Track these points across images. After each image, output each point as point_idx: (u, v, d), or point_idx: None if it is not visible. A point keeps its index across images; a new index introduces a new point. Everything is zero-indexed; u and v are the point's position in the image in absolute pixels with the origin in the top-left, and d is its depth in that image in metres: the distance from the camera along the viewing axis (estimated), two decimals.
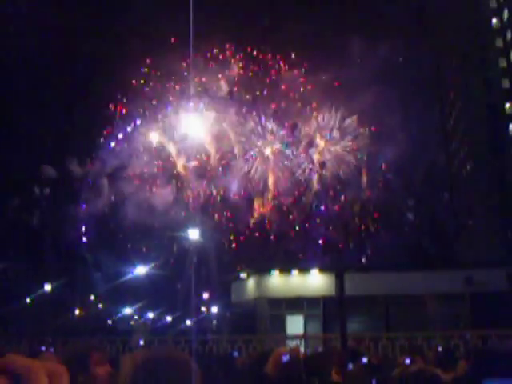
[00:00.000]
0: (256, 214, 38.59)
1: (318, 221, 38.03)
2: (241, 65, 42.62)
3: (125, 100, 42.05)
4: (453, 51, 61.72)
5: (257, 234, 38.64)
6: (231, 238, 39.49)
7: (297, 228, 38.37)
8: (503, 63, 59.94)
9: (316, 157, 39.58)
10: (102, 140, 41.06)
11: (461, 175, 63.60)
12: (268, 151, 40.40)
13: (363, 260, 37.26)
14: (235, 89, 41.81)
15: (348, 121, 41.00)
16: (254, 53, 42.68)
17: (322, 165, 38.92)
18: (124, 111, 41.61)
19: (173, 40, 40.67)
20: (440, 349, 16.83)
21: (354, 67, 38.04)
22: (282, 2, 45.08)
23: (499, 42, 60.75)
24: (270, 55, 42.61)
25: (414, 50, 50.15)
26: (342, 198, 38.65)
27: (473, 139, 57.97)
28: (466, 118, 60.19)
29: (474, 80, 57.37)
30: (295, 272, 28.75)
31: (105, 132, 41.58)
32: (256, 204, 38.78)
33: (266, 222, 39.11)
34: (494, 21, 61.48)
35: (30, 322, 38.66)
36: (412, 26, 49.91)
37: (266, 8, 43.54)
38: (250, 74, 42.58)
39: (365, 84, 37.25)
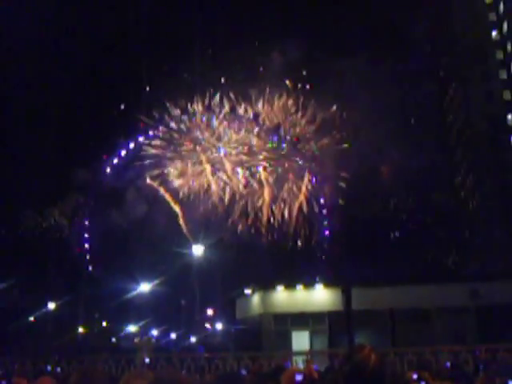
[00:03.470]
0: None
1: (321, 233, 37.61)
2: None
3: None
4: (453, 64, 62.01)
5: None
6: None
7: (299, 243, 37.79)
8: (503, 75, 60.37)
9: None
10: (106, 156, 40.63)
11: (463, 188, 63.48)
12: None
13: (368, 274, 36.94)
14: None
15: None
16: None
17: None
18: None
19: None
20: (448, 364, 16.66)
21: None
22: None
23: (500, 54, 61.21)
24: None
25: (413, 63, 50.35)
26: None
27: (475, 152, 58.00)
28: (467, 130, 60.27)
29: (475, 92, 57.60)
30: (300, 287, 28.63)
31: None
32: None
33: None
34: (494, 33, 61.97)
35: (33, 341, 38.48)
36: (412, 38, 49.97)
37: None
38: None
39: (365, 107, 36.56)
